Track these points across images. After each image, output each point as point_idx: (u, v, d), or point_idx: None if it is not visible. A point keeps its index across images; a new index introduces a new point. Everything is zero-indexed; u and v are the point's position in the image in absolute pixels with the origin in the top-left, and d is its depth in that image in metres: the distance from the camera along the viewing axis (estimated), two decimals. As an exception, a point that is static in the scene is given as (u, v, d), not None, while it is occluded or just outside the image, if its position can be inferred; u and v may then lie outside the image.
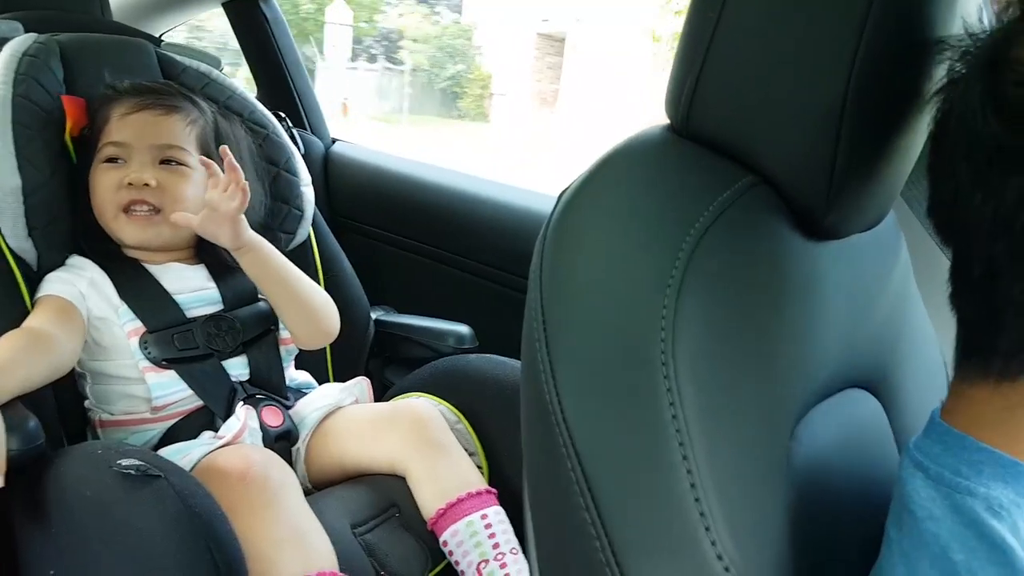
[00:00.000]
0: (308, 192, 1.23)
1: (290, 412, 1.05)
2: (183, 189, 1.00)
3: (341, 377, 1.21)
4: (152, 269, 1.02)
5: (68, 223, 1.02)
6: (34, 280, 0.98)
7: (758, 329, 0.46)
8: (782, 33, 0.45)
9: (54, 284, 0.96)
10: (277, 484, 0.84)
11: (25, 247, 0.97)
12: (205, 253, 1.07)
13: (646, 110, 7.35)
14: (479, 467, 1.02)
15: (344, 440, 1.03)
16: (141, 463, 0.75)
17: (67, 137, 1.03)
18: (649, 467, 0.41)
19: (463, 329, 1.29)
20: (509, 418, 1.02)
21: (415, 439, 0.98)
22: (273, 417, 1.01)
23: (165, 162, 1.00)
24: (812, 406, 0.52)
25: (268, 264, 1.02)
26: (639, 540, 0.40)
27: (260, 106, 1.23)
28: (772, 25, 0.45)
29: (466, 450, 1.02)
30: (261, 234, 1.04)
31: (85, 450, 0.83)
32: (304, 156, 1.28)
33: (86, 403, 1.00)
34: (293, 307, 1.05)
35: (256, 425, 0.98)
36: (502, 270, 1.37)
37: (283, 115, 1.33)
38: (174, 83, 1.13)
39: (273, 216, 1.17)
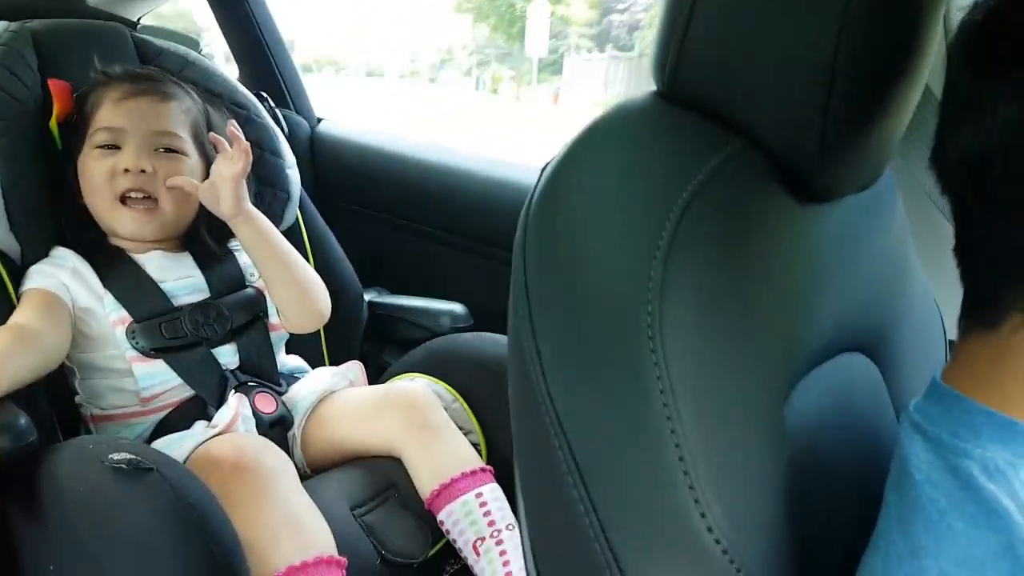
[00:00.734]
0: (293, 174, 1.22)
1: (283, 398, 1.04)
2: (180, 175, 0.99)
3: (336, 360, 1.21)
4: (137, 258, 1.01)
5: (50, 215, 1.00)
6: (18, 274, 0.97)
7: (748, 296, 0.45)
8: None
9: (37, 277, 0.95)
10: (271, 471, 0.84)
11: (8, 241, 0.96)
12: (191, 241, 1.06)
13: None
14: (476, 445, 1.02)
15: (339, 424, 1.02)
16: (133, 457, 0.74)
17: (52, 123, 1.01)
18: (636, 442, 0.40)
19: (457, 308, 1.28)
20: (505, 395, 1.01)
21: (408, 421, 0.98)
22: (266, 404, 1.01)
23: (159, 149, 0.99)
24: (807, 372, 0.52)
25: (265, 236, 1.01)
26: (629, 516, 0.40)
27: (241, 87, 1.21)
28: None
29: (463, 429, 1.02)
30: None
31: (77, 445, 0.82)
32: (289, 137, 1.26)
33: (76, 398, 0.99)
34: (286, 285, 1.04)
35: (249, 413, 0.98)
36: (495, 246, 1.35)
37: (265, 95, 1.31)
38: (153, 67, 1.11)
39: (259, 200, 1.15)
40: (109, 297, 0.97)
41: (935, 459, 0.39)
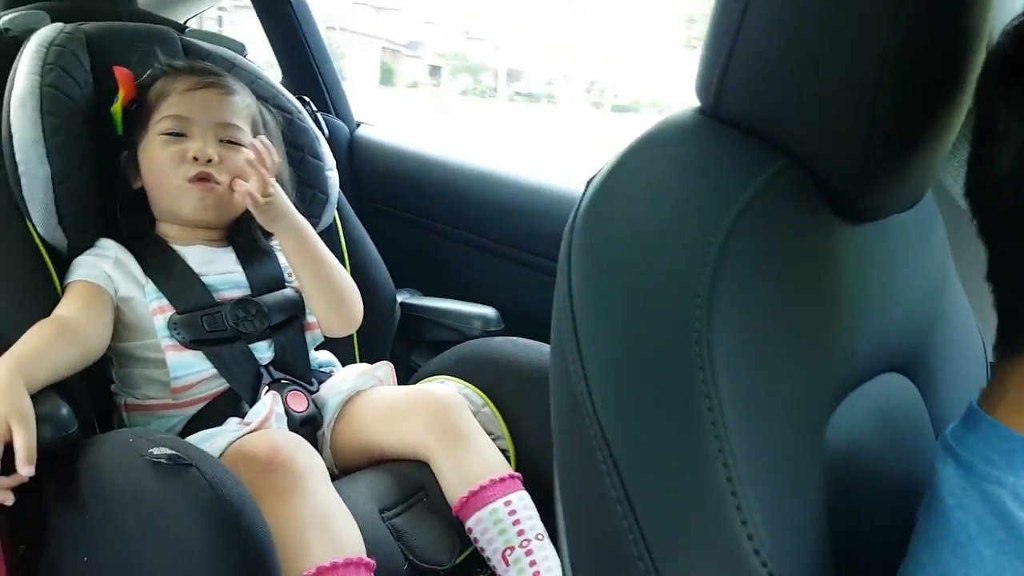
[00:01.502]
0: (333, 176, 1.24)
1: (313, 397, 1.06)
2: (241, 166, 1.01)
3: (367, 359, 1.22)
4: (179, 249, 1.03)
5: (98, 209, 1.03)
6: (64, 267, 0.99)
7: (794, 314, 0.45)
8: (814, 8, 0.43)
9: (81, 268, 0.98)
10: (304, 469, 0.85)
11: (56, 235, 0.98)
12: (237, 235, 1.08)
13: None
14: (505, 451, 1.02)
15: (367, 425, 1.03)
16: (172, 452, 0.76)
17: (116, 108, 1.04)
18: (685, 459, 0.40)
19: (489, 311, 1.29)
20: (535, 401, 1.02)
21: (435, 425, 0.98)
22: (298, 402, 1.02)
23: (223, 140, 1.02)
24: (849, 391, 0.52)
25: (306, 247, 1.05)
26: (674, 534, 0.40)
27: (284, 91, 1.23)
28: (803, 4, 0.44)
29: (492, 434, 1.02)
30: None
31: (118, 438, 0.84)
32: (329, 140, 1.28)
33: (112, 387, 1.01)
34: (321, 292, 1.06)
35: (281, 410, 0.99)
36: (528, 251, 1.36)
37: (307, 99, 1.33)
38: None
39: (299, 200, 1.18)
40: (151, 286, 0.99)
41: (967, 485, 0.39)
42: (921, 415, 0.59)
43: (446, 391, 1.04)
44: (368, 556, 0.82)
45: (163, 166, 1.00)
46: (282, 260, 1.11)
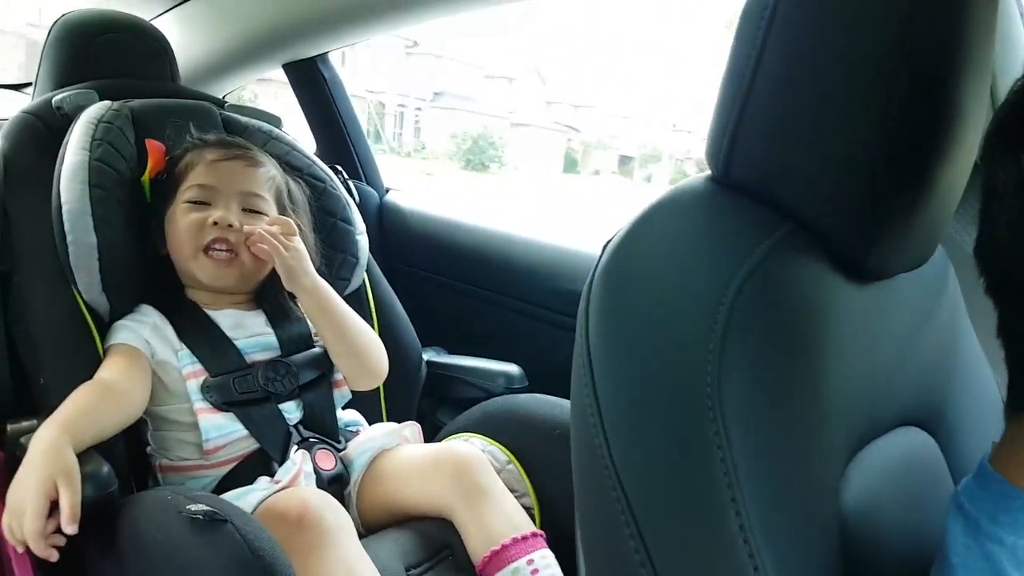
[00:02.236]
0: (362, 240, 1.28)
1: (341, 456, 1.08)
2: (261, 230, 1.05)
3: (394, 418, 1.24)
4: (212, 314, 1.07)
5: (138, 276, 1.07)
6: (106, 330, 1.03)
7: (804, 372, 0.46)
8: (816, 77, 0.46)
9: (121, 332, 1.01)
10: (333, 526, 0.86)
11: (99, 300, 1.02)
12: (265, 300, 1.12)
13: None
14: (530, 508, 1.02)
15: (392, 483, 1.04)
16: (208, 508, 0.78)
17: (145, 178, 1.09)
18: (699, 511, 0.42)
19: (513, 369, 1.31)
20: (560, 458, 1.02)
21: (458, 483, 0.99)
22: (326, 461, 1.04)
23: (246, 209, 1.06)
24: (863, 445, 0.53)
25: (325, 308, 1.08)
26: None
27: (318, 160, 1.28)
28: (805, 70, 0.46)
29: (516, 491, 1.02)
30: None
31: (156, 496, 0.87)
32: (360, 205, 1.33)
33: (148, 449, 1.04)
34: (344, 349, 1.10)
35: (310, 469, 1.01)
36: (550, 309, 1.39)
37: (339, 168, 1.39)
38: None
39: (330, 264, 1.22)
40: (185, 351, 1.03)
41: (972, 543, 0.39)
42: (939, 468, 0.60)
43: (469, 449, 1.05)
44: (395, 613, 0.83)
45: (184, 232, 1.04)
46: (310, 320, 1.15)
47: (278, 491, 0.93)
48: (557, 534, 0.97)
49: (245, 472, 1.00)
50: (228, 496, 0.94)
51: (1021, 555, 0.38)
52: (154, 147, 1.10)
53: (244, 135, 1.24)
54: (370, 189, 1.68)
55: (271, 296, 1.11)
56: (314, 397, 1.09)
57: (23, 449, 0.82)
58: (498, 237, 1.51)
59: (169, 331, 1.03)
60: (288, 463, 0.99)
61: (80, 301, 1.01)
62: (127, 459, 0.99)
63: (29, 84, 1.35)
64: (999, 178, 0.42)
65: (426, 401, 1.35)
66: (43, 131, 1.11)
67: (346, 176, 1.39)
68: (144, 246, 1.08)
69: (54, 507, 0.78)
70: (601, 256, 0.51)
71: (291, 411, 1.06)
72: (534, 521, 1.01)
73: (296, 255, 1.04)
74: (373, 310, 1.28)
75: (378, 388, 1.20)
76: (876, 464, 0.53)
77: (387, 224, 1.66)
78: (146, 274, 1.08)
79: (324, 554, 0.83)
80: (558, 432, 1.05)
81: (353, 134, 1.69)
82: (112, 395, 0.93)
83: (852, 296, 0.51)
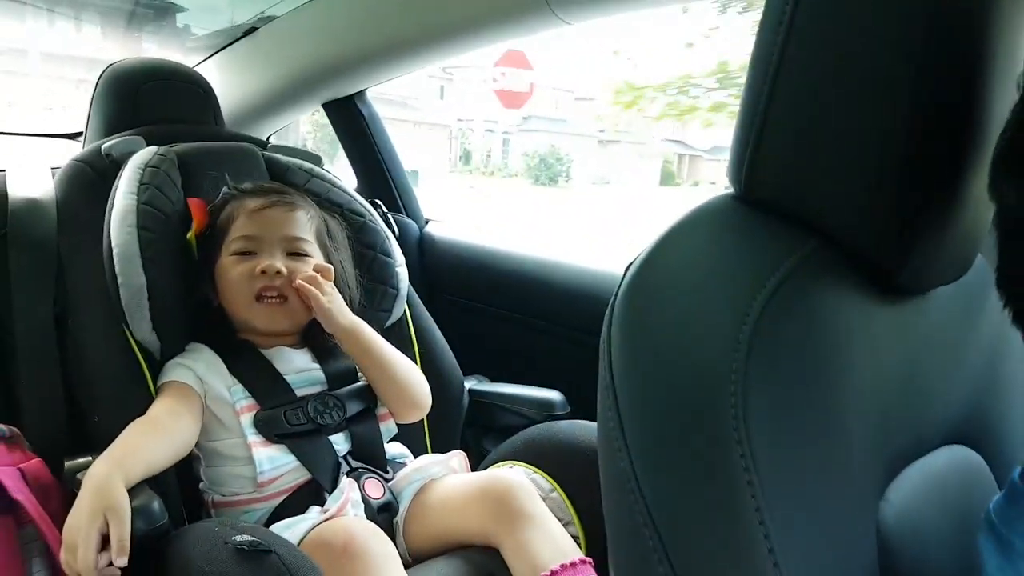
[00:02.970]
0: (402, 272, 1.30)
1: (389, 485, 1.09)
2: (306, 275, 1.08)
3: (438, 447, 1.24)
4: (263, 352, 1.10)
5: (187, 314, 1.10)
6: (157, 368, 1.06)
7: (833, 391, 0.45)
8: (837, 85, 0.45)
9: (174, 370, 1.04)
10: (378, 556, 0.87)
11: (150, 339, 1.05)
12: (311, 337, 1.15)
13: None
14: (575, 536, 1.01)
15: (439, 512, 1.05)
16: (253, 539, 0.79)
17: (191, 236, 1.13)
18: (727, 536, 0.41)
19: (554, 395, 1.30)
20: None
21: (504, 511, 0.98)
22: (375, 490, 1.05)
23: (291, 254, 1.10)
24: (905, 465, 0.51)
25: (364, 348, 1.11)
26: None
27: (357, 196, 1.31)
28: (826, 82, 0.45)
29: (561, 519, 1.01)
30: (359, 313, 1.12)
31: (204, 527, 0.88)
32: (400, 237, 1.35)
33: (200, 485, 1.06)
34: (387, 384, 1.12)
35: (358, 498, 1.02)
36: (591, 334, 1.36)
37: (379, 202, 1.42)
38: (283, 182, 1.24)
39: (371, 296, 1.24)
40: (238, 386, 1.05)
41: (1005, 563, 0.38)
42: (988, 487, 0.58)
43: (514, 476, 1.04)
44: (441, 644, 0.83)
45: (236, 284, 1.07)
46: None
47: (325, 520, 0.94)
48: (604, 561, 0.96)
49: (297, 503, 1.02)
50: (278, 526, 0.95)
51: None
52: (196, 205, 1.14)
53: (286, 175, 1.28)
54: (410, 221, 1.70)
55: (316, 333, 1.13)
56: (361, 429, 1.11)
57: (78, 484, 0.84)
58: (537, 263, 1.52)
59: (221, 367, 1.06)
60: (336, 492, 1.00)
61: (132, 341, 1.05)
62: (179, 493, 1.01)
63: (81, 133, 1.41)
64: (1011, 206, 0.41)
65: (470, 430, 1.35)
66: (94, 177, 1.16)
67: (385, 209, 1.42)
68: (190, 287, 1.11)
69: (107, 540, 0.81)
70: (623, 279, 0.51)
71: (340, 442, 1.08)
72: (580, 548, 0.99)
73: (331, 299, 1.07)
74: (414, 340, 1.30)
75: (421, 419, 1.21)
76: (919, 484, 0.51)
77: (427, 254, 1.68)
78: (195, 313, 1.11)
79: None
80: None
81: (392, 168, 1.72)
82: (162, 431, 0.95)
83: (885, 312, 0.50)
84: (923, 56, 0.42)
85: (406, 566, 0.92)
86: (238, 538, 0.79)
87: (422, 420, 1.24)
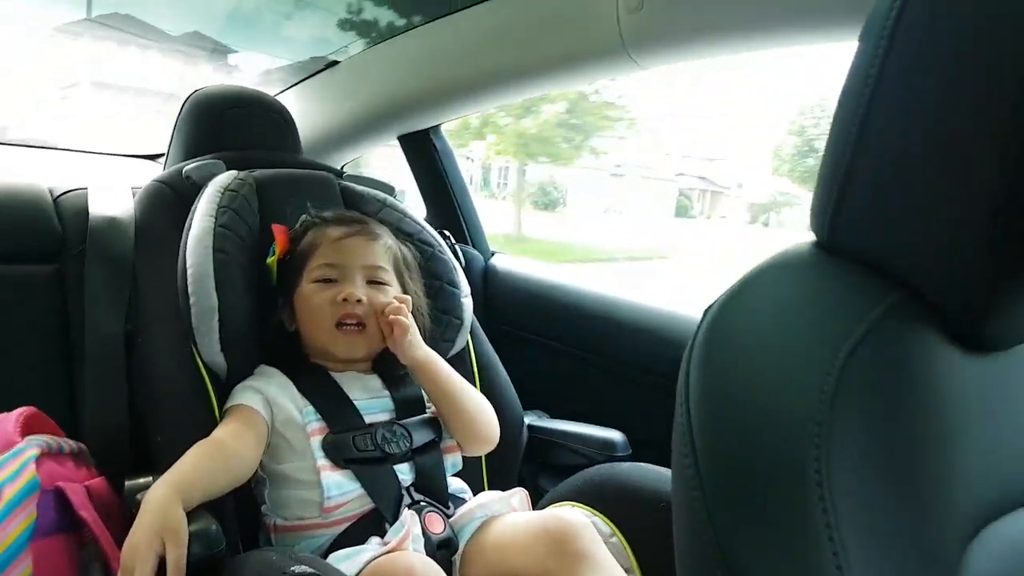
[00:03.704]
0: (467, 302, 1.30)
1: (450, 521, 1.07)
2: (385, 304, 1.11)
3: (496, 484, 1.23)
4: (334, 376, 1.11)
5: (256, 338, 1.12)
6: (223, 390, 1.07)
7: (915, 448, 0.44)
8: (927, 134, 0.44)
9: (241, 394, 1.05)
10: None
11: (217, 360, 1.07)
12: (381, 364, 1.15)
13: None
14: (635, 584, 0.98)
15: (498, 551, 1.03)
16: (311, 570, 0.79)
17: (272, 261, 1.15)
18: None
19: (616, 435, 1.28)
20: (664, 531, 0.97)
21: (565, 551, 0.96)
22: (435, 524, 1.04)
23: (371, 282, 1.12)
24: (986, 525, 0.49)
25: (436, 380, 1.12)
26: None
27: (427, 226, 1.33)
28: (913, 137, 0.45)
29: (620, 565, 0.98)
30: (429, 342, 1.13)
31: (261, 556, 0.88)
32: (466, 268, 1.36)
33: (263, 508, 1.06)
34: (457, 416, 1.13)
35: (419, 531, 1.00)
36: (653, 373, 1.35)
37: (447, 233, 1.43)
38: (356, 211, 1.26)
39: (437, 326, 1.24)
40: (309, 408, 1.06)
41: None
42: None
43: (575, 515, 1.03)
44: None
45: (317, 311, 1.09)
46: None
47: (385, 553, 0.93)
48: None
49: (358, 532, 1.01)
50: (338, 555, 0.95)
51: None
52: (280, 230, 1.17)
53: (360, 203, 1.30)
54: (476, 252, 1.71)
55: (387, 360, 1.14)
56: (426, 460, 1.11)
57: (137, 505, 0.85)
58: (602, 299, 1.50)
59: (292, 389, 1.07)
60: (397, 524, 0.99)
61: (199, 361, 1.06)
62: (236, 518, 1.02)
63: (162, 155, 1.47)
64: None
65: (528, 467, 1.34)
66: (173, 199, 1.19)
67: (453, 240, 1.42)
68: (262, 309, 1.13)
69: (164, 563, 0.81)
70: (702, 323, 0.49)
71: (404, 473, 1.08)
72: (639, 596, 0.96)
73: (410, 331, 1.09)
74: (476, 372, 1.29)
75: (480, 454, 1.20)
76: (1005, 544, 0.48)
77: (492, 286, 1.68)
78: (264, 336, 1.13)
79: None
80: (663, 505, 1.01)
81: (461, 200, 1.74)
82: (224, 455, 0.96)
83: (971, 367, 0.49)
84: (1012, 117, 0.41)
85: (463, 604, 0.91)
86: (297, 569, 0.79)
87: (480, 456, 1.23)
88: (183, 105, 1.39)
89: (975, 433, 0.48)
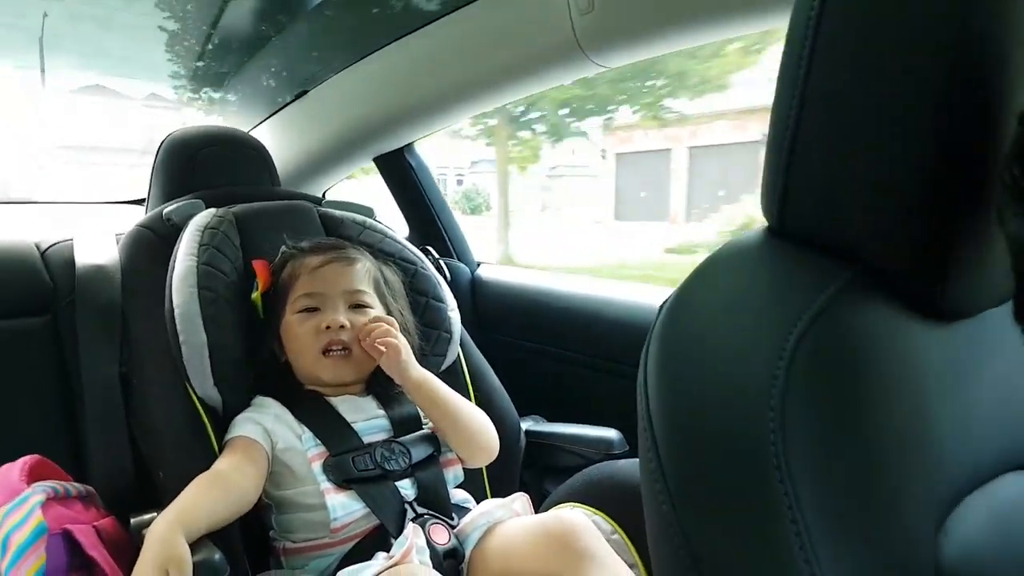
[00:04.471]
0: (455, 316, 1.31)
1: (455, 532, 1.08)
2: (368, 327, 1.12)
3: (498, 491, 1.24)
4: (330, 400, 1.12)
5: (248, 370, 1.13)
6: (219, 422, 1.09)
7: (879, 422, 0.44)
8: (864, 115, 0.45)
9: (241, 426, 1.07)
10: None
11: (212, 395, 1.08)
12: (376, 385, 1.17)
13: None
14: (639, 579, 0.99)
15: (503, 556, 1.04)
16: None
17: (256, 296, 1.17)
18: (769, 571, 0.40)
19: (612, 434, 1.29)
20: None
21: (569, 551, 0.97)
22: (440, 535, 1.05)
23: (353, 306, 1.13)
24: (963, 496, 0.49)
25: (432, 399, 1.14)
26: None
27: (409, 245, 1.34)
28: (853, 108, 0.45)
29: (625, 562, 1.00)
30: (418, 357, 1.15)
31: None
32: (452, 281, 1.37)
33: (271, 533, 1.08)
34: (455, 431, 1.14)
35: (423, 543, 1.01)
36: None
37: (430, 248, 1.45)
38: (337, 235, 1.29)
39: (425, 340, 1.26)
40: (308, 434, 1.07)
41: None
42: None
43: (576, 516, 1.03)
44: None
45: (303, 340, 1.12)
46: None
47: (390, 567, 0.94)
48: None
49: (365, 549, 1.02)
50: (344, 573, 0.96)
51: None
52: (260, 265, 1.18)
53: (340, 228, 1.32)
54: (461, 264, 1.73)
55: (381, 381, 1.16)
56: (426, 475, 1.12)
57: (143, 540, 0.86)
58: (588, 300, 1.51)
59: (290, 417, 1.09)
60: (401, 538, 1.00)
61: (194, 398, 1.08)
62: (243, 543, 1.03)
63: (144, 199, 1.48)
64: (1015, 238, 0.39)
65: (529, 472, 1.35)
66: (155, 241, 1.21)
67: (436, 256, 1.44)
68: (252, 341, 1.15)
69: None
70: (658, 316, 0.51)
71: (406, 488, 1.09)
72: (644, 590, 0.97)
73: (404, 351, 1.11)
74: (469, 383, 1.31)
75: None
76: (982, 515, 0.49)
77: (480, 296, 1.70)
78: (259, 368, 1.15)
79: None
80: None
81: (441, 215, 1.77)
82: (225, 486, 0.98)
83: (937, 338, 0.49)
84: (946, 88, 0.42)
85: (471, 612, 0.92)
86: None
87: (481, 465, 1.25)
88: (158, 149, 1.40)
89: (947, 404, 0.48)
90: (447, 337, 1.30)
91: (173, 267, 1.13)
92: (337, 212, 1.35)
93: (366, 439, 1.10)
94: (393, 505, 1.06)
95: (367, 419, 1.12)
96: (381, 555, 0.99)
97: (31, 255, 1.31)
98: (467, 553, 1.06)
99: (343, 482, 1.04)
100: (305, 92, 1.71)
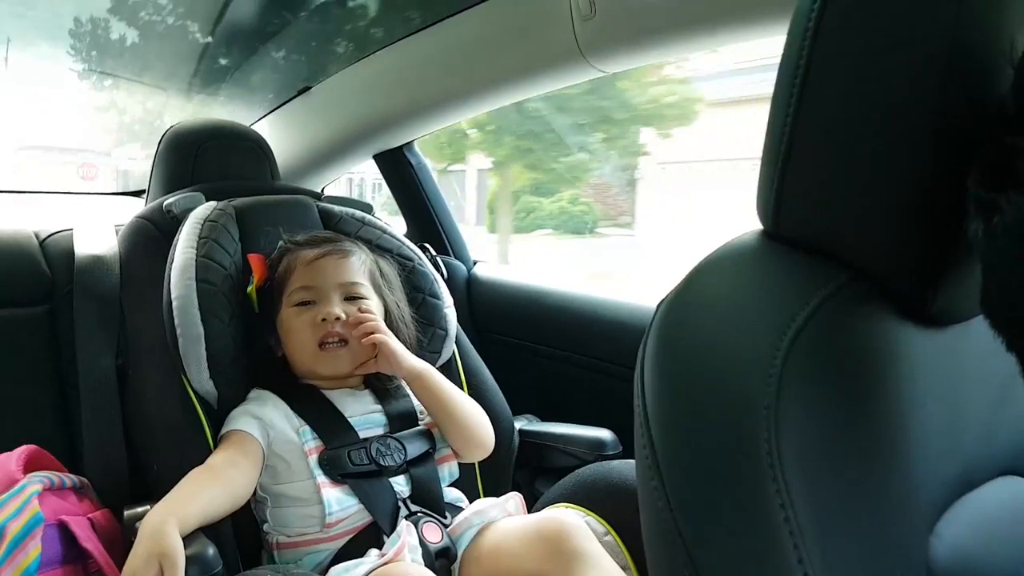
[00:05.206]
0: (450, 313, 1.32)
1: (448, 530, 1.08)
2: (359, 320, 1.12)
3: (490, 490, 1.24)
4: (327, 394, 1.12)
5: (244, 364, 1.13)
6: (214, 416, 1.09)
7: (871, 423, 0.45)
8: (860, 115, 0.45)
9: (237, 420, 1.07)
10: None
11: (207, 388, 1.08)
12: (374, 379, 1.17)
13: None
14: (631, 580, 0.99)
15: (495, 556, 1.04)
16: None
17: (252, 291, 1.17)
18: (765, 569, 0.41)
19: (605, 434, 1.29)
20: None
21: (560, 551, 0.97)
22: (433, 533, 1.05)
23: (348, 298, 1.13)
24: (954, 499, 0.50)
25: (430, 390, 1.14)
26: None
27: (406, 241, 1.34)
28: (848, 116, 0.46)
29: (617, 563, 1.00)
30: (416, 352, 1.15)
31: (257, 574, 0.90)
32: (448, 279, 1.37)
33: (264, 527, 1.07)
34: (452, 424, 1.14)
35: (416, 542, 1.01)
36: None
37: (427, 246, 1.45)
38: (335, 230, 1.28)
39: (421, 337, 1.26)
40: (305, 428, 1.07)
41: None
42: None
43: (568, 516, 1.04)
44: None
45: (299, 334, 1.12)
46: (414, 400, 1.18)
47: (382, 564, 0.94)
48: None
49: (358, 545, 1.02)
50: (336, 570, 0.96)
51: None
52: (257, 260, 1.19)
53: (339, 224, 1.32)
54: (458, 263, 1.74)
55: (378, 377, 1.16)
56: (421, 472, 1.12)
57: (136, 533, 0.86)
58: (584, 300, 1.52)
59: (288, 411, 1.09)
60: (394, 536, 1.01)
61: (190, 390, 1.08)
62: (235, 538, 1.03)
63: (144, 191, 1.49)
64: (992, 222, 0.40)
65: (522, 472, 1.35)
66: (155, 233, 1.22)
67: (434, 253, 1.44)
68: (249, 337, 1.15)
69: None
70: (655, 316, 0.51)
71: (400, 485, 1.09)
72: (636, 591, 0.98)
73: (392, 344, 1.11)
74: (463, 381, 1.31)
75: (473, 462, 1.22)
76: (972, 518, 0.49)
77: (476, 295, 1.71)
78: (254, 362, 1.15)
79: None
80: None
81: (440, 213, 1.77)
82: (220, 480, 0.98)
83: (928, 343, 0.49)
84: (937, 100, 0.42)
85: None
86: None
87: (473, 464, 1.25)
88: (160, 141, 1.41)
89: (937, 408, 0.49)
90: (442, 334, 1.30)
91: (172, 259, 1.13)
92: (336, 208, 1.35)
93: (362, 434, 1.10)
94: (386, 501, 1.06)
95: (364, 413, 1.12)
96: (374, 552, 1.00)
97: (30, 244, 1.31)
98: (459, 552, 1.06)
99: (338, 476, 1.04)
100: (308, 88, 1.71)
